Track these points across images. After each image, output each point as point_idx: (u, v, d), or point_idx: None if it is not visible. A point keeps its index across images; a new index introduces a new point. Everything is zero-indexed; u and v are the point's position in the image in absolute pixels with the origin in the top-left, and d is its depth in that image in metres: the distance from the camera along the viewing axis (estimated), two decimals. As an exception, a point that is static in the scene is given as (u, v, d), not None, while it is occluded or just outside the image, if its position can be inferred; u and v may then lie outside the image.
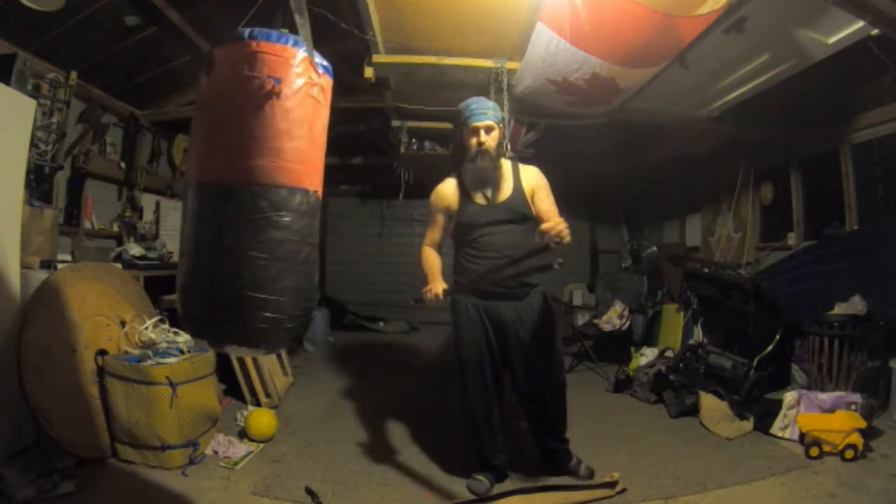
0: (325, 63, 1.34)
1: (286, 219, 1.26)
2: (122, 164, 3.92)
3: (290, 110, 1.25)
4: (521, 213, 2.03)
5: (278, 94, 1.22)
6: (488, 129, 2.01)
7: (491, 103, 2.09)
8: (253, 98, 1.22)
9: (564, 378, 2.18)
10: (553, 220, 1.69)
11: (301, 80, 1.26)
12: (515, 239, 2.00)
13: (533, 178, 2.08)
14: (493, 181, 2.04)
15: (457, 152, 2.15)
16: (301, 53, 1.27)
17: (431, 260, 2.14)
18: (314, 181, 1.34)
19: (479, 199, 2.05)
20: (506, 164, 2.08)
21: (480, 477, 2.06)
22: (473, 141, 2.01)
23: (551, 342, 2.10)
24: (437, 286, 1.98)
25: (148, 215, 4.18)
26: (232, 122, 1.24)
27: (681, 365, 3.39)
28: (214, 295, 1.26)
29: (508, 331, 2.03)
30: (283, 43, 1.24)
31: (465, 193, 2.08)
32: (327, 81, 1.36)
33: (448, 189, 2.14)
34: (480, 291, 2.01)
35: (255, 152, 1.22)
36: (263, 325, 1.25)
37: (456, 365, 2.12)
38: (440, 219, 2.18)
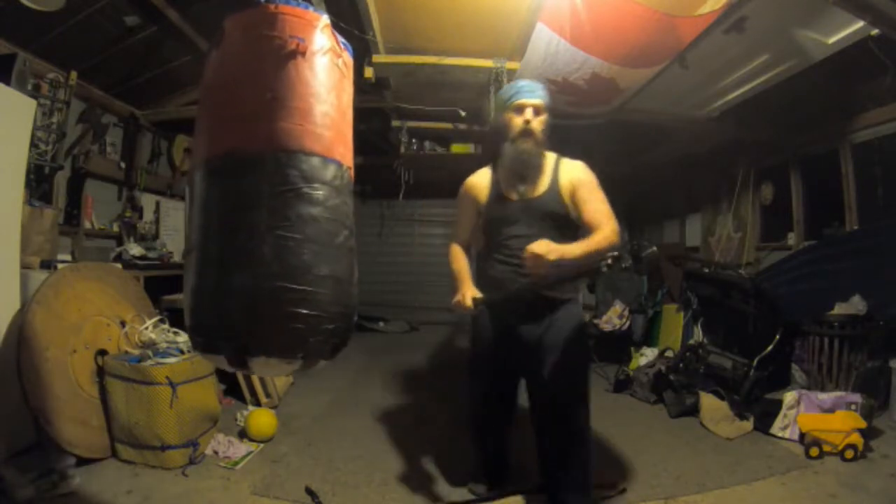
0: (345, 41, 1.24)
1: (320, 192, 1.05)
2: (122, 164, 3.92)
3: (318, 72, 1.09)
4: (552, 211, 1.72)
5: (303, 54, 1.06)
6: (537, 110, 1.73)
7: (542, 85, 1.80)
8: (274, 57, 1.05)
9: (585, 430, 1.78)
10: (535, 247, 1.49)
11: (327, 44, 1.12)
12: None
13: (574, 172, 1.74)
14: (532, 175, 1.74)
15: (493, 140, 1.86)
16: (324, 19, 1.14)
17: (460, 261, 1.86)
18: (346, 156, 1.16)
19: (512, 194, 1.77)
20: (549, 158, 1.78)
21: (480, 480, 2.04)
22: (518, 120, 1.72)
23: (574, 381, 1.77)
24: (467, 294, 1.70)
25: (148, 215, 4.18)
26: (249, 85, 1.06)
27: (681, 365, 3.39)
28: (232, 291, 1.01)
29: (526, 354, 1.77)
30: (304, 7, 1.11)
31: (496, 187, 1.81)
32: (349, 59, 1.23)
33: (479, 180, 1.87)
34: (503, 307, 1.77)
35: (280, 114, 1.04)
36: (299, 326, 1.01)
37: (466, 369, 2.02)
38: (468, 213, 1.89)
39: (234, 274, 1.01)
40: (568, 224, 1.74)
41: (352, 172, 1.18)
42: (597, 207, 1.68)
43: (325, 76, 1.10)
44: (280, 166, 1.02)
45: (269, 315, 1.00)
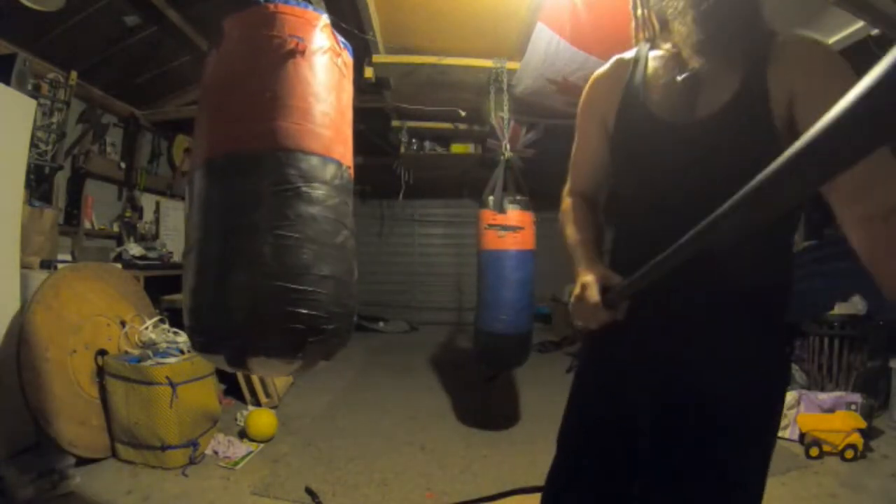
0: (345, 41, 1.24)
1: (319, 192, 1.04)
2: (122, 164, 3.92)
3: (317, 72, 1.09)
4: (748, 141, 0.78)
5: (303, 53, 1.06)
6: None
7: None
8: (273, 56, 1.05)
9: None
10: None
11: (326, 43, 1.12)
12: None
13: (802, 63, 0.78)
14: (712, 63, 0.80)
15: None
16: (324, 18, 1.14)
17: (576, 222, 0.98)
18: (346, 156, 1.15)
19: (660, 107, 0.87)
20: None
21: None
22: None
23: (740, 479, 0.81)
24: (590, 283, 0.82)
25: (148, 215, 4.18)
26: (249, 84, 1.05)
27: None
28: (232, 291, 0.99)
29: (655, 408, 0.85)
30: (303, 6, 1.11)
31: (636, 92, 0.91)
32: (348, 58, 1.23)
33: (610, 76, 0.97)
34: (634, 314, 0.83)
35: (279, 113, 1.03)
36: (298, 326, 0.99)
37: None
38: (592, 135, 0.99)
39: (234, 273, 1.00)
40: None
41: (351, 172, 1.18)
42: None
43: (324, 75, 1.10)
44: (279, 165, 1.02)
45: (269, 315, 0.99)
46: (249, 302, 0.99)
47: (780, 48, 0.81)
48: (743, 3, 0.79)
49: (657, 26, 0.89)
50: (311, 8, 1.13)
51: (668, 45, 0.87)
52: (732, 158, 0.77)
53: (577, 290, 0.84)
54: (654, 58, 0.91)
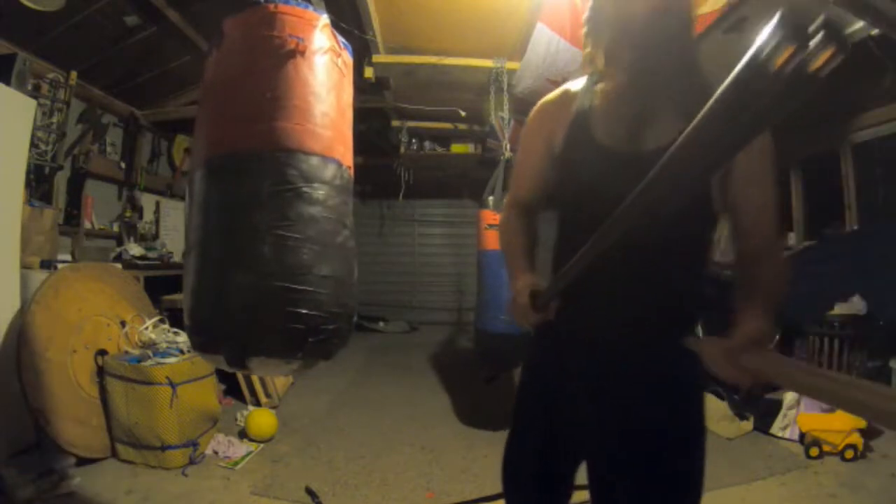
0: (345, 41, 1.24)
1: (319, 192, 1.04)
2: (122, 164, 3.92)
3: (317, 72, 1.08)
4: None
5: (303, 53, 1.06)
6: None
7: None
8: (273, 56, 1.05)
9: None
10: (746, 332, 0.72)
11: (326, 44, 1.12)
12: (661, 246, 0.82)
13: None
14: (653, 103, 0.88)
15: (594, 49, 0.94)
16: (324, 18, 1.14)
17: (515, 236, 1.07)
18: (346, 156, 1.15)
19: (606, 135, 0.92)
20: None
21: None
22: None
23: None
24: (521, 289, 0.95)
25: (148, 215, 4.18)
26: (249, 85, 1.05)
27: (681, 365, 3.39)
28: (232, 292, 0.99)
29: (579, 419, 0.96)
30: (303, 6, 1.11)
31: (583, 119, 0.96)
32: (348, 58, 1.23)
33: (557, 102, 1.02)
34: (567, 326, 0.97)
35: (279, 114, 1.02)
36: (298, 326, 0.98)
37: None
38: (535, 152, 1.05)
39: (234, 273, 1.00)
40: (704, 209, 0.87)
41: (351, 172, 1.18)
42: (759, 202, 0.86)
43: (324, 76, 1.09)
44: (279, 166, 1.02)
45: (269, 315, 0.99)
46: (249, 302, 0.99)
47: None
48: (678, 48, 0.85)
49: (601, 64, 0.94)
50: (311, 8, 1.12)
51: (611, 80, 0.94)
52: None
53: (511, 297, 0.97)
54: (601, 90, 0.97)
